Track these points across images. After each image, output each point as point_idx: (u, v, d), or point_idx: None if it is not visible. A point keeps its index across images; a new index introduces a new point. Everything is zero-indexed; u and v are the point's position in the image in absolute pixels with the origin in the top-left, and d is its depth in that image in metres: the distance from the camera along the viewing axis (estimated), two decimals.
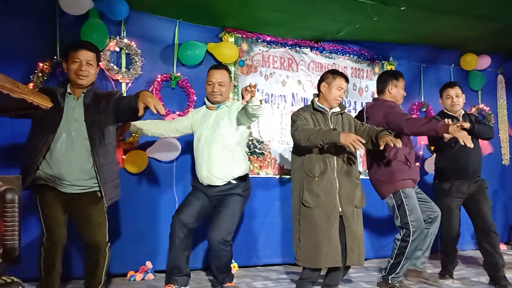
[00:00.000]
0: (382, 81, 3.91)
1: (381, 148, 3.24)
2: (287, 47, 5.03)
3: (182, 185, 4.36)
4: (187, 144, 4.17)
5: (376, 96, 4.42)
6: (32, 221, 3.42)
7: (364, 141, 3.12)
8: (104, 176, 2.95)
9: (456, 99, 4.09)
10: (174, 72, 4.41)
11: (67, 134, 2.92)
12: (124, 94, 3.89)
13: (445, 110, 4.18)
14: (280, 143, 4.93)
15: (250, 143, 4.65)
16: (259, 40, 4.87)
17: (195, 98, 4.42)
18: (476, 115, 4.88)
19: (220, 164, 3.52)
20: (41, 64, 3.76)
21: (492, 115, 6.08)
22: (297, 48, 5.08)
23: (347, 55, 5.33)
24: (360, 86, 5.44)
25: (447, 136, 3.46)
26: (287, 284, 3.97)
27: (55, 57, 3.82)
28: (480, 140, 4.08)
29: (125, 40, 4.14)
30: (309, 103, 3.83)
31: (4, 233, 1.71)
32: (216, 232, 3.42)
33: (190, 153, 4.07)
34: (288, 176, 4.84)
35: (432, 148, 4.55)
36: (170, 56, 4.43)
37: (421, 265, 3.91)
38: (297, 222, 3.40)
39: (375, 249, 5.21)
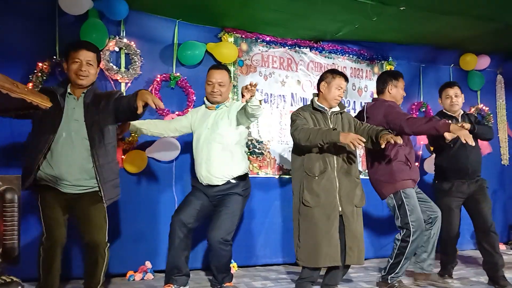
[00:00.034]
0: (382, 81, 3.90)
1: (382, 146, 3.24)
2: (287, 47, 5.04)
3: (182, 185, 4.36)
4: (187, 144, 4.17)
5: (375, 96, 4.42)
6: (32, 221, 3.43)
7: (364, 139, 3.12)
8: (103, 176, 2.95)
9: (455, 99, 4.09)
10: (174, 72, 4.41)
11: (67, 134, 2.92)
12: (124, 94, 3.88)
13: (444, 110, 4.18)
14: (280, 143, 4.93)
15: (249, 143, 4.66)
16: (259, 40, 4.87)
17: (194, 98, 4.42)
18: (476, 115, 4.88)
19: (219, 164, 3.52)
20: (40, 64, 3.76)
21: (491, 115, 6.09)
22: (297, 48, 5.09)
23: (347, 55, 5.33)
24: (359, 86, 5.44)
25: (448, 137, 3.45)
26: (287, 284, 3.97)
27: (55, 57, 3.82)
28: (479, 140, 4.08)
29: (125, 40, 4.14)
30: (308, 103, 3.83)
31: (3, 232, 1.71)
32: (216, 232, 3.42)
33: (189, 153, 4.07)
34: (287, 176, 4.85)
35: (432, 148, 4.55)
36: (169, 56, 4.43)
37: (428, 267, 3.85)
38: (297, 222, 3.41)
39: (375, 248, 5.22)
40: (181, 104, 4.43)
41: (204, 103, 3.75)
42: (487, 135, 4.02)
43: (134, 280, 3.99)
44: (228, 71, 3.78)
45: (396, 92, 3.86)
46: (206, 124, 3.62)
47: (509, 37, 5.14)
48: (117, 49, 4.13)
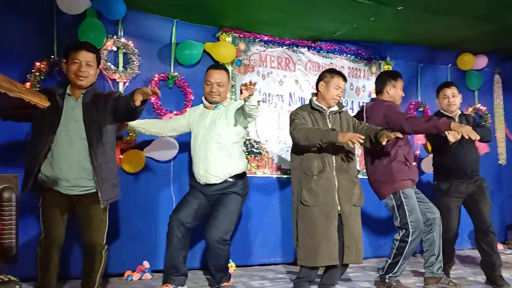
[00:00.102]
0: (381, 82, 3.90)
1: (383, 143, 3.24)
2: (284, 47, 5.04)
3: (180, 184, 4.36)
4: (185, 143, 4.16)
5: (373, 96, 4.42)
6: (31, 220, 3.43)
7: (363, 137, 3.12)
8: (101, 176, 2.96)
9: (453, 99, 4.09)
10: (172, 71, 4.41)
11: (66, 134, 2.93)
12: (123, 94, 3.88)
13: (441, 110, 4.18)
14: (277, 142, 4.93)
15: (247, 142, 4.66)
16: (257, 40, 4.87)
17: (192, 97, 4.42)
18: (473, 116, 4.88)
19: (217, 163, 3.52)
20: (38, 63, 3.75)
21: (489, 114, 6.10)
22: (294, 48, 5.09)
23: (344, 54, 5.33)
24: (357, 86, 5.44)
25: (452, 139, 3.45)
26: (284, 284, 3.97)
27: (52, 57, 3.81)
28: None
29: (123, 40, 4.13)
30: (306, 102, 3.83)
31: (1, 231, 1.71)
32: (214, 231, 3.42)
33: (187, 152, 4.07)
34: (285, 176, 4.85)
35: (430, 147, 4.56)
36: (167, 56, 4.43)
37: (438, 270, 3.82)
38: (296, 221, 3.42)
39: (373, 248, 5.22)
40: (179, 103, 4.43)
41: (202, 102, 3.75)
42: (487, 137, 4.03)
43: (132, 280, 3.98)
44: (227, 71, 3.78)
45: (394, 92, 3.86)
46: (204, 124, 3.62)
47: (507, 37, 5.15)
48: (115, 48, 4.12)
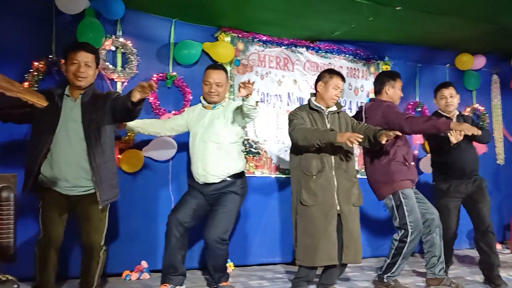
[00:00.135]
0: (380, 82, 3.90)
1: (383, 142, 3.24)
2: (283, 47, 5.04)
3: (178, 184, 4.36)
4: (183, 143, 4.16)
5: (372, 96, 4.43)
6: (30, 220, 3.42)
7: (361, 136, 3.13)
8: (100, 176, 2.95)
9: (451, 99, 4.09)
10: (170, 71, 4.40)
11: (65, 134, 2.93)
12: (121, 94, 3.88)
13: (439, 111, 4.18)
14: (276, 142, 4.93)
15: (246, 142, 4.66)
16: (255, 40, 4.87)
17: (190, 97, 4.42)
18: (472, 117, 4.89)
19: (215, 162, 3.52)
20: (36, 63, 3.74)
21: (487, 115, 6.11)
22: (293, 48, 5.09)
23: (343, 54, 5.34)
24: (356, 86, 5.45)
25: (454, 140, 3.46)
26: (283, 283, 3.97)
27: (51, 56, 3.81)
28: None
29: (121, 39, 4.13)
30: (304, 102, 3.84)
31: None
32: (213, 230, 3.42)
33: (186, 152, 4.07)
34: (284, 176, 4.85)
35: (428, 147, 4.56)
36: (165, 55, 4.43)
37: (440, 272, 3.82)
38: (295, 221, 3.42)
39: (372, 248, 5.23)
40: (178, 103, 4.43)
41: (200, 102, 3.75)
42: (486, 139, 4.05)
43: (130, 279, 3.97)
44: (226, 71, 3.78)
45: (393, 92, 3.86)
46: (202, 123, 3.62)
47: (505, 37, 5.16)
48: (113, 48, 4.12)
